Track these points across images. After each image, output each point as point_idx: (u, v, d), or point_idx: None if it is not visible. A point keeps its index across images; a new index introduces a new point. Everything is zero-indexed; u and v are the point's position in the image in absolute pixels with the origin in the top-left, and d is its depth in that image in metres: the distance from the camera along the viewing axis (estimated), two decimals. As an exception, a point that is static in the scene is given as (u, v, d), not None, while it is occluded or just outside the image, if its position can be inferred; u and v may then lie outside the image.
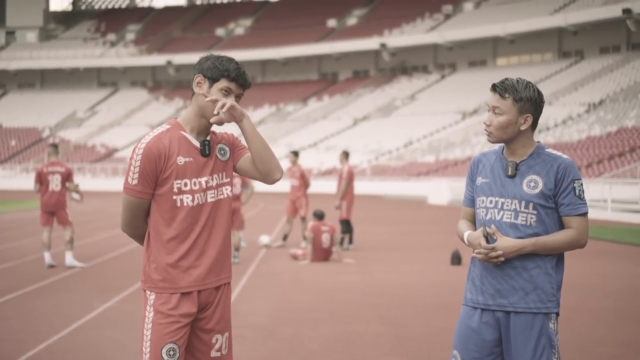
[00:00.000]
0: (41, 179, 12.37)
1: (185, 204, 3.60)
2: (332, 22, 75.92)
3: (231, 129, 3.50)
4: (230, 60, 3.64)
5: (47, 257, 12.36)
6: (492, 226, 3.70)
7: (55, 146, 12.76)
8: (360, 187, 38.09)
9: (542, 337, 3.68)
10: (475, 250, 3.73)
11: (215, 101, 3.59)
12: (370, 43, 68.22)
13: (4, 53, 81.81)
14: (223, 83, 3.61)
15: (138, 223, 3.69)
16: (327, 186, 40.57)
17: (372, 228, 20.78)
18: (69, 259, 12.45)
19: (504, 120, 3.72)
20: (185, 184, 3.60)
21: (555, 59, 62.45)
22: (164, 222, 3.60)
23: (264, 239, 16.08)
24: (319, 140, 61.31)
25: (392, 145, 57.24)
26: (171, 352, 3.57)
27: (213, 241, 3.67)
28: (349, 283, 11.07)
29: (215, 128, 3.77)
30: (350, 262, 13.47)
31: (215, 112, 3.57)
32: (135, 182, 3.59)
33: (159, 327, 3.58)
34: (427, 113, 60.64)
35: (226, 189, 3.72)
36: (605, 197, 27.07)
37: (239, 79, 3.63)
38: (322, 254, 13.50)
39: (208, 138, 3.68)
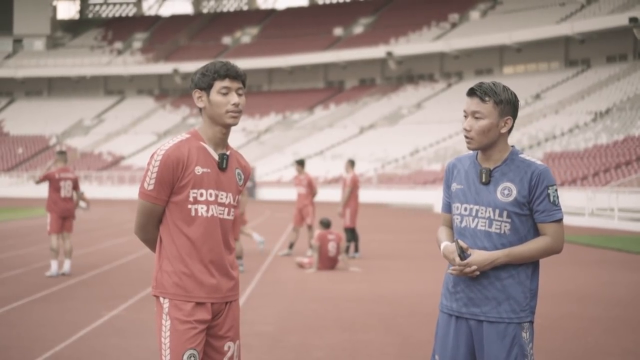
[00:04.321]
0: (52, 183, 12.38)
1: (200, 214, 3.64)
2: (338, 31, 76.02)
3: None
4: (215, 62, 3.69)
5: (55, 266, 12.31)
6: (459, 241, 3.69)
7: (63, 153, 12.81)
8: (366, 195, 38.09)
9: (514, 347, 3.66)
10: (451, 268, 3.73)
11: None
12: (376, 51, 68.27)
13: (12, 61, 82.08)
14: (218, 85, 3.65)
15: (150, 228, 3.72)
16: (334, 194, 40.52)
17: (378, 236, 20.76)
18: (67, 266, 12.47)
19: (486, 124, 3.67)
20: (202, 194, 3.64)
21: (562, 68, 62.41)
22: (178, 230, 3.63)
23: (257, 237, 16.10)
24: (325, 148, 61.33)
25: (398, 154, 57.23)
26: (192, 358, 3.59)
27: (225, 256, 3.71)
28: (355, 292, 11.06)
29: (231, 143, 3.79)
30: (357, 270, 13.46)
31: (228, 109, 3.63)
32: (151, 187, 3.62)
33: (177, 333, 3.59)
34: (434, 121, 60.62)
35: (233, 212, 3.78)
36: (612, 206, 27.00)
37: (230, 73, 3.65)
38: (328, 263, 13.48)
39: (227, 152, 3.74)
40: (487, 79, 59.06)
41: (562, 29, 58.60)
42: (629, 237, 21.30)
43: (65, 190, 12.43)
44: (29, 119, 76.91)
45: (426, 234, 22.45)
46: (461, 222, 3.75)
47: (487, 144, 3.70)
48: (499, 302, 3.66)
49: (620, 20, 53.89)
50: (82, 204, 13.37)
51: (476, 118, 3.68)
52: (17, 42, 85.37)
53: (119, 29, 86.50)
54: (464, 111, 3.76)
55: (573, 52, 62.01)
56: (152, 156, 3.66)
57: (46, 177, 12.44)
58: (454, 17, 70.08)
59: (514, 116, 3.72)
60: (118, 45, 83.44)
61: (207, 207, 3.65)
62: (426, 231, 23.85)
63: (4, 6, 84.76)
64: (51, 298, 10.28)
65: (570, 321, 8.82)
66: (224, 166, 3.70)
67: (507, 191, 3.67)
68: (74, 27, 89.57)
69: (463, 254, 3.67)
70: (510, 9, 67.72)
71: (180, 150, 3.63)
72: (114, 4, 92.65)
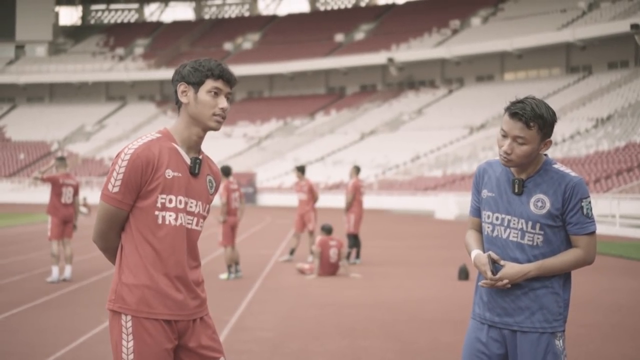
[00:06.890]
0: (54, 188, 12.38)
1: (167, 222, 3.31)
2: (339, 37, 76.13)
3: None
4: (210, 59, 3.39)
5: (55, 272, 12.31)
6: (491, 254, 3.64)
7: (63, 159, 12.84)
8: (367, 201, 38.02)
9: (548, 355, 3.65)
10: (482, 281, 3.69)
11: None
12: (377, 58, 68.36)
13: (14, 67, 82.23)
14: (209, 84, 3.34)
15: (111, 236, 3.37)
16: (335, 200, 40.57)
17: (379, 243, 20.75)
18: (68, 272, 12.49)
19: (529, 150, 3.57)
20: (170, 200, 3.31)
21: (563, 74, 62.45)
22: (143, 239, 3.30)
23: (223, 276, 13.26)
24: (326, 154, 61.34)
25: (399, 160, 57.23)
26: None
27: (189, 272, 3.37)
28: (356, 298, 11.05)
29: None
30: (357, 276, 13.45)
31: (215, 111, 3.34)
32: (116, 189, 3.28)
33: (141, 356, 3.26)
34: (435, 128, 60.65)
35: (202, 223, 3.45)
36: (613, 212, 26.98)
37: (225, 75, 3.36)
38: (329, 269, 13.48)
39: (200, 157, 3.42)
40: (488, 86, 58.97)
41: (563, 36, 58.66)
42: (630, 243, 21.28)
43: (67, 196, 12.46)
44: (31, 125, 77.01)
45: (427, 240, 22.44)
46: (492, 231, 3.70)
47: (525, 164, 3.64)
48: (532, 312, 3.65)
49: (621, 26, 53.93)
50: (83, 209, 13.38)
51: (519, 143, 3.57)
52: (19, 48, 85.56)
53: (120, 35, 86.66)
54: (503, 130, 3.61)
55: (574, 59, 62.07)
56: (118, 155, 3.31)
57: (50, 180, 12.44)
58: (455, 23, 70.17)
59: (551, 135, 3.65)
60: (120, 51, 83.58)
61: (175, 215, 3.31)
62: (427, 237, 23.84)
63: (6, 12, 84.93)
64: (52, 304, 10.28)
65: (570, 328, 8.80)
66: (196, 171, 3.37)
67: (540, 203, 3.62)
68: (75, 33, 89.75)
69: (495, 266, 3.65)
70: (511, 15, 67.82)
71: (150, 150, 3.29)
72: (116, 10, 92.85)
